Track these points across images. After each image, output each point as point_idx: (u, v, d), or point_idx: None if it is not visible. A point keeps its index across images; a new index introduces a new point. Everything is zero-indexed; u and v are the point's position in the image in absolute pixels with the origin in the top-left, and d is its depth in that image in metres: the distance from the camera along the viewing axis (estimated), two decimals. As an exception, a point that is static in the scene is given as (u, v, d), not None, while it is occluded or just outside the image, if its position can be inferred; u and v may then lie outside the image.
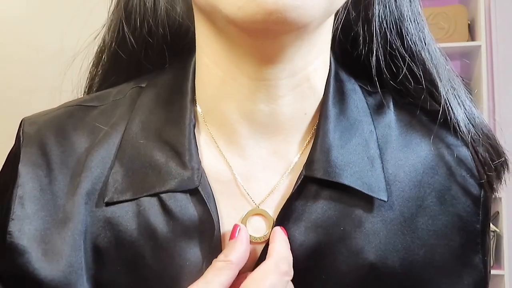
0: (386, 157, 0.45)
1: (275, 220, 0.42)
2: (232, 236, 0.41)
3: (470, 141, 0.47)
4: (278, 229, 0.41)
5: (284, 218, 0.42)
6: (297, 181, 0.42)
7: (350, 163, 0.43)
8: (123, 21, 0.49)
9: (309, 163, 0.43)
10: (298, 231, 0.41)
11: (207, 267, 0.40)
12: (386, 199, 0.43)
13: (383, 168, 0.44)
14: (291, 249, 0.41)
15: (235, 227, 0.41)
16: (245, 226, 0.42)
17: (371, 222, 0.42)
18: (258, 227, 0.43)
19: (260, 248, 0.43)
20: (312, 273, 0.41)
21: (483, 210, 0.45)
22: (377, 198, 0.42)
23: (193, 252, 0.41)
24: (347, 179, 0.42)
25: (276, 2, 0.34)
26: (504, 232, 1.87)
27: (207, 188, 0.42)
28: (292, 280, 0.40)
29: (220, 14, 0.37)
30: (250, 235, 0.42)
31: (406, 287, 0.43)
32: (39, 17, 1.96)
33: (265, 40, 0.39)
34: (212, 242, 0.41)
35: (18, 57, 1.94)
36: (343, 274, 0.41)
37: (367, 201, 0.43)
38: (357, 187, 0.42)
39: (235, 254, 0.39)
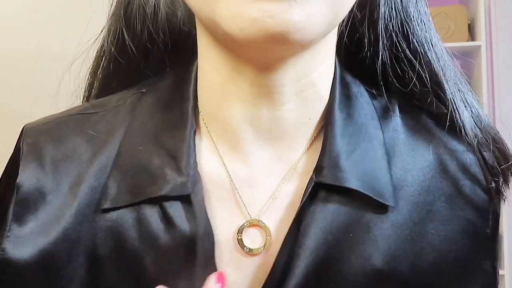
0: (394, 161, 0.44)
1: (290, 227, 0.41)
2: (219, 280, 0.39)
3: (477, 145, 0.46)
4: (212, 277, 0.39)
5: (295, 227, 0.41)
6: (307, 187, 0.41)
7: (359, 168, 0.42)
8: (123, 27, 0.48)
9: (319, 169, 0.42)
10: (309, 239, 0.41)
11: (196, 280, 0.39)
12: (394, 205, 0.42)
13: (390, 173, 0.43)
14: (300, 260, 0.40)
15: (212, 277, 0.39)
16: (241, 237, 0.42)
17: (380, 228, 0.41)
18: (255, 238, 0.42)
19: (257, 259, 0.42)
20: (321, 280, 0.40)
21: (492, 215, 0.44)
22: (385, 204, 0.42)
23: (188, 262, 0.40)
24: (356, 184, 0.41)
25: (278, 25, 0.33)
26: (504, 232, 1.86)
27: (199, 197, 0.41)
28: None
29: (221, 31, 0.36)
30: (247, 247, 0.42)
31: None
32: (39, 22, 1.95)
33: (265, 55, 0.38)
34: (202, 253, 0.40)
35: (18, 60, 1.94)
36: (352, 281, 0.40)
37: (376, 206, 0.42)
38: (365, 192, 0.41)
39: None
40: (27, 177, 0.43)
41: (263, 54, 0.38)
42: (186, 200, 0.41)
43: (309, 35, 0.35)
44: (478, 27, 1.95)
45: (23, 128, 0.46)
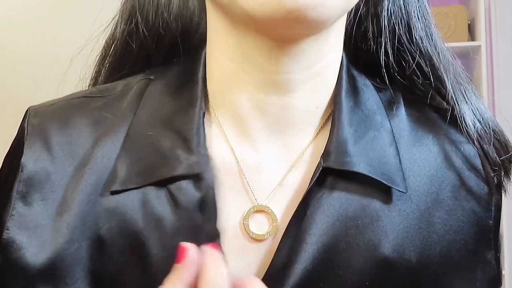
0: (400, 151, 0.44)
1: (294, 212, 0.41)
2: (179, 259, 0.36)
3: (477, 138, 0.46)
4: (209, 251, 0.37)
5: (301, 211, 0.41)
6: (314, 173, 0.42)
7: (368, 154, 0.42)
8: (138, 12, 0.49)
9: (326, 154, 0.42)
10: (315, 224, 0.40)
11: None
12: (405, 191, 0.42)
13: (400, 160, 0.43)
14: (307, 245, 0.40)
15: (181, 249, 0.37)
16: (248, 222, 0.42)
17: (388, 216, 0.42)
18: (261, 223, 0.42)
19: (262, 246, 0.42)
20: (328, 267, 0.40)
21: (495, 207, 0.45)
22: (397, 189, 0.42)
23: (194, 243, 0.40)
24: (365, 169, 0.41)
25: (296, 1, 0.35)
26: (504, 232, 1.87)
27: (210, 176, 0.41)
28: (308, 275, 0.40)
29: (240, 10, 0.37)
30: (253, 232, 0.41)
31: (421, 282, 0.42)
32: (47, 10, 1.95)
33: (281, 35, 0.39)
34: (210, 234, 0.40)
35: (24, 53, 1.93)
36: (359, 268, 0.40)
37: (384, 193, 0.42)
38: (376, 177, 0.41)
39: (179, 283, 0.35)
40: (31, 157, 0.43)
41: (280, 34, 0.39)
42: (197, 178, 0.41)
43: (325, 13, 0.36)
44: (478, 27, 1.95)
45: (27, 110, 0.46)
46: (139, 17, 0.49)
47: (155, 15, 0.48)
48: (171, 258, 0.39)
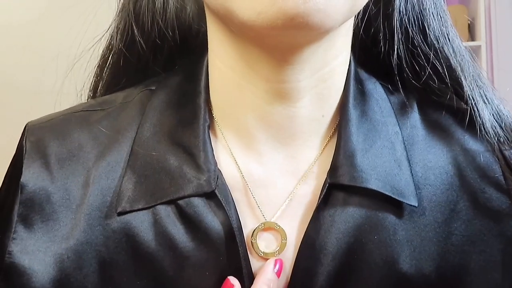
0: (414, 159, 0.42)
1: (306, 230, 0.39)
2: None
3: (497, 144, 0.44)
4: (271, 262, 0.39)
5: (313, 230, 0.39)
6: (322, 189, 0.40)
7: (377, 167, 0.40)
8: (133, 23, 0.47)
9: (333, 169, 0.40)
10: (330, 243, 0.39)
11: (223, 279, 0.38)
12: (416, 204, 0.40)
13: (411, 171, 0.41)
14: (322, 263, 0.39)
15: (227, 281, 0.38)
16: (256, 241, 0.40)
17: (404, 229, 0.40)
18: (269, 241, 0.41)
19: None
20: (345, 285, 0.39)
21: None
22: (408, 204, 0.40)
23: (213, 262, 0.39)
24: (375, 184, 0.40)
25: (297, 6, 0.32)
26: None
27: (226, 191, 0.40)
28: None
29: (237, 19, 0.35)
30: (262, 251, 0.40)
31: None
32: (43, 18, 1.95)
33: (283, 43, 0.37)
34: (230, 252, 0.39)
35: (22, 61, 1.93)
36: (377, 285, 0.39)
37: (398, 207, 0.40)
38: (386, 192, 0.40)
39: None
40: (31, 177, 0.41)
41: (281, 42, 0.37)
42: (210, 197, 0.39)
43: (328, 20, 0.34)
44: (478, 27, 1.95)
45: (25, 126, 0.44)
46: (134, 27, 0.47)
47: (150, 24, 0.47)
48: (189, 278, 0.39)
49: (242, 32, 0.37)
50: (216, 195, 0.39)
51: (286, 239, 0.40)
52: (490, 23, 2.05)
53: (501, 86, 2.02)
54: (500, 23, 2.05)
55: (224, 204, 0.39)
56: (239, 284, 0.38)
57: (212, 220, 0.39)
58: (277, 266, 0.39)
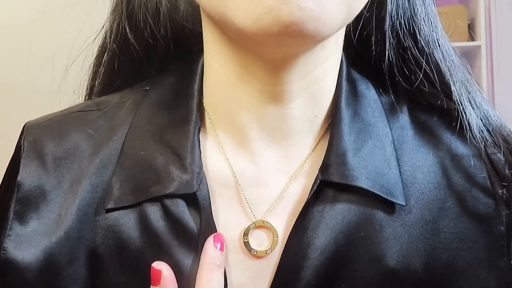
0: (403, 158, 0.43)
1: (293, 226, 0.40)
2: (154, 281, 0.38)
3: (484, 148, 0.44)
4: (210, 240, 0.39)
5: (302, 225, 0.40)
6: (312, 186, 0.41)
7: (367, 166, 0.41)
8: (125, 23, 0.48)
9: (325, 166, 0.41)
10: (318, 238, 0.39)
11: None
12: (404, 203, 0.41)
13: (400, 171, 0.42)
14: (310, 260, 0.39)
15: (154, 271, 0.38)
16: (248, 240, 0.41)
17: (392, 227, 0.40)
18: (261, 239, 0.41)
19: (264, 261, 0.41)
20: (332, 282, 0.39)
21: (506, 212, 0.43)
22: (396, 203, 0.41)
23: (193, 261, 0.39)
24: (365, 183, 0.40)
25: (292, 13, 0.32)
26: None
27: (205, 195, 0.41)
28: None
29: (232, 26, 0.35)
30: (254, 249, 0.41)
31: None
32: (37, 18, 1.95)
33: (278, 52, 0.38)
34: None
35: (22, 61, 1.94)
36: (364, 281, 0.39)
37: (386, 204, 0.41)
38: (375, 191, 0.40)
39: None
40: (28, 175, 0.42)
41: (275, 50, 0.38)
42: (191, 198, 0.40)
43: (323, 27, 0.34)
44: (478, 27, 1.95)
45: (24, 126, 0.45)
46: (127, 27, 0.48)
47: (143, 24, 0.47)
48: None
49: (237, 37, 0.38)
50: (197, 198, 0.40)
51: (277, 237, 0.41)
52: (490, 23, 2.04)
53: (501, 86, 2.02)
54: (500, 23, 2.05)
55: (201, 209, 0.40)
56: (168, 267, 0.38)
57: (191, 222, 0.40)
58: (218, 243, 0.39)
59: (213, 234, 0.40)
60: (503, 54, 2.04)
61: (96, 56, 0.50)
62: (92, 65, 0.51)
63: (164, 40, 0.48)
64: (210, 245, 0.39)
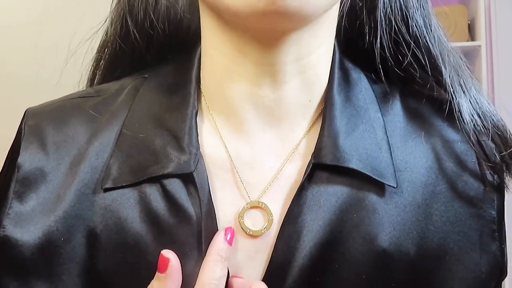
0: (395, 144, 0.44)
1: (289, 207, 0.41)
2: (160, 268, 0.39)
3: (474, 133, 0.45)
4: (221, 233, 0.40)
5: (296, 208, 0.41)
6: (306, 169, 0.42)
7: (358, 149, 0.42)
8: (127, 14, 0.49)
9: (318, 149, 0.42)
10: (312, 221, 0.41)
11: (202, 258, 0.40)
12: (395, 185, 0.42)
13: (391, 155, 0.43)
14: (304, 242, 0.40)
15: (162, 258, 0.39)
16: (243, 220, 0.42)
17: (384, 209, 0.42)
18: (257, 219, 0.42)
19: (260, 241, 0.42)
20: (326, 262, 0.40)
21: (497, 196, 0.44)
22: (387, 184, 0.42)
23: (192, 240, 0.40)
24: (356, 164, 0.42)
25: None
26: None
27: (203, 175, 0.42)
28: (306, 272, 0.40)
29: (223, 6, 0.37)
30: (249, 229, 0.42)
31: (419, 274, 0.42)
32: (39, 12, 1.96)
33: (266, 30, 0.39)
34: (206, 233, 0.40)
35: (22, 61, 1.94)
36: (356, 262, 0.40)
37: (378, 187, 0.42)
38: (366, 172, 0.42)
39: None
40: (27, 157, 0.43)
41: (264, 28, 0.39)
42: (188, 178, 0.41)
43: (306, 5, 0.36)
44: (478, 27, 1.95)
45: (25, 111, 0.46)
46: (129, 19, 0.49)
47: (143, 16, 0.49)
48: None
49: (229, 17, 0.39)
50: (193, 177, 0.41)
51: (272, 216, 0.42)
52: (490, 23, 2.05)
53: (501, 86, 2.02)
54: (500, 23, 2.05)
55: (198, 189, 0.41)
56: (176, 257, 0.39)
57: (189, 202, 0.41)
58: (229, 235, 0.40)
59: (225, 227, 0.40)
60: (503, 54, 2.04)
61: (99, 48, 0.52)
62: (94, 56, 0.52)
63: (161, 31, 0.49)
64: (220, 237, 0.40)
